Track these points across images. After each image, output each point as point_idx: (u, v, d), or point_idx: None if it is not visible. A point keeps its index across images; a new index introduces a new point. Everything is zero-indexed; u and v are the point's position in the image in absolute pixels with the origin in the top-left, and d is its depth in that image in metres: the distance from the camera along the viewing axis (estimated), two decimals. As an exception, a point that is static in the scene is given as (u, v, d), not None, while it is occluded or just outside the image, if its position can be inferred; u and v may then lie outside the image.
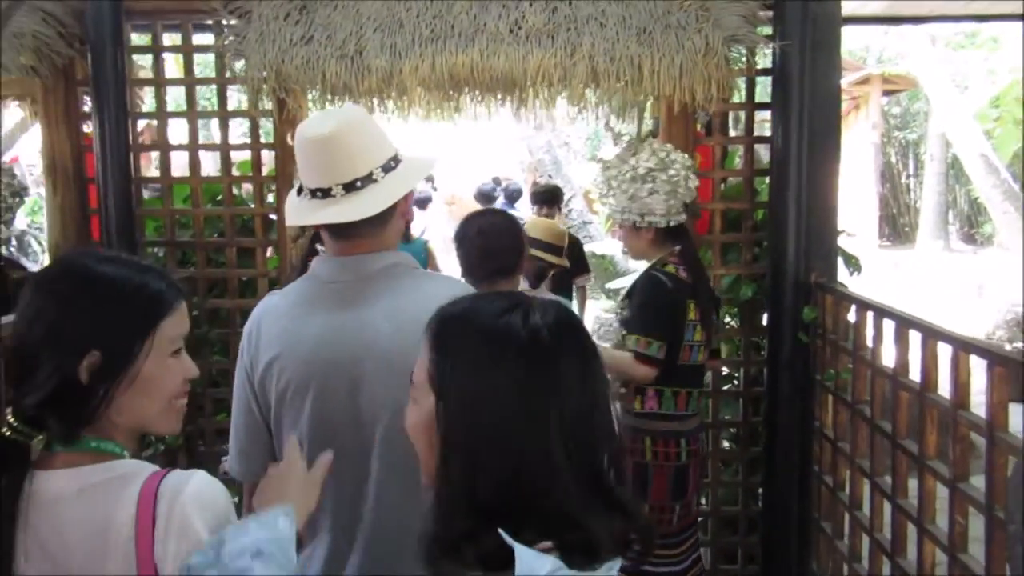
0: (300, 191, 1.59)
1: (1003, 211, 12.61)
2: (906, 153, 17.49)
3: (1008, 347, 6.30)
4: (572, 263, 4.95)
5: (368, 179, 1.54)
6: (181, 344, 1.24)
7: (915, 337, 2.32)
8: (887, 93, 14.48)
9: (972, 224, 16.69)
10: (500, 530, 0.92)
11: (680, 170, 2.77)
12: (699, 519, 2.96)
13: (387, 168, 1.56)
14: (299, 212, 1.59)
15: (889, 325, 2.48)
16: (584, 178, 12.37)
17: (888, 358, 2.52)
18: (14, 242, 7.97)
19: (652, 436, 2.80)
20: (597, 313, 8.68)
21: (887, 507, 2.50)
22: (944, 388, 2.16)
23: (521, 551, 0.90)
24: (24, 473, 1.14)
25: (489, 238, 2.45)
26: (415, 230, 5.76)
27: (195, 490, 1.12)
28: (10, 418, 1.14)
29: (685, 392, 2.83)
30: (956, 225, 16.52)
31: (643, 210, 2.78)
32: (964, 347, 2.03)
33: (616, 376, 2.79)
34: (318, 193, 1.54)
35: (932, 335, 2.21)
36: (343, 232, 1.57)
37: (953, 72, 13.32)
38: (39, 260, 8.10)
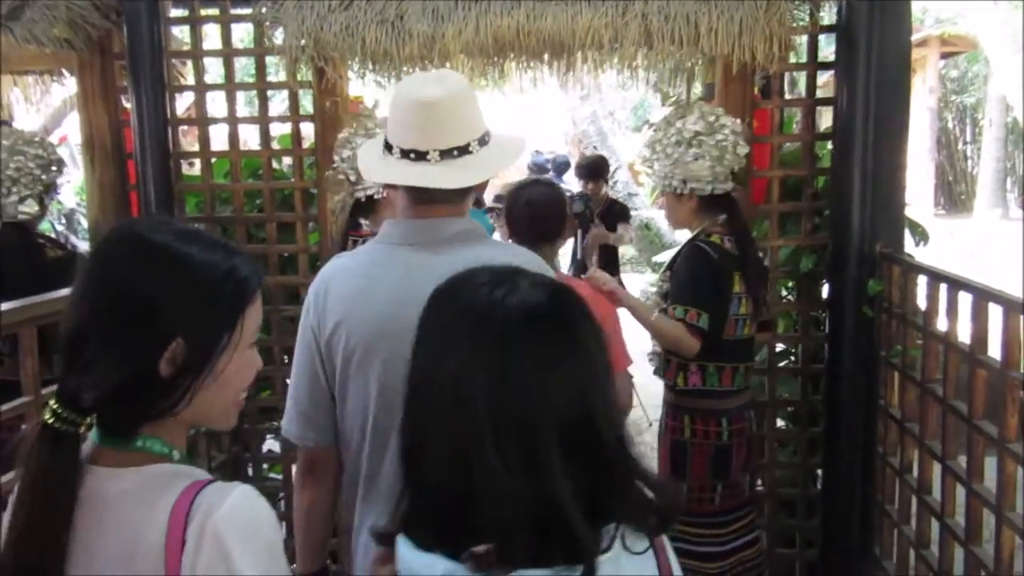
0: (387, 149, 1.56)
1: (1066, 177, 12.10)
2: (963, 118, 16.86)
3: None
4: (617, 217, 5.07)
5: (464, 150, 1.53)
6: (257, 335, 1.13)
7: (994, 311, 2.16)
8: (945, 56, 13.95)
9: (1033, 191, 16.08)
10: (401, 535, 0.92)
11: (729, 135, 2.62)
12: (753, 501, 2.83)
13: (482, 142, 1.56)
14: (387, 170, 1.57)
15: (964, 298, 2.32)
16: (629, 149, 12.16)
17: (962, 333, 2.37)
18: (63, 220, 8.05)
19: (692, 414, 2.70)
20: (643, 287, 8.53)
21: (960, 492, 2.36)
22: (1029, 367, 2.01)
23: (403, 552, 0.91)
24: (75, 467, 1.01)
25: (536, 207, 2.57)
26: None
27: (232, 509, 0.98)
28: (53, 403, 1.01)
29: (731, 367, 2.70)
30: (1015, 193, 15.91)
31: (686, 176, 2.64)
32: (1055, 323, 1.87)
33: (666, 345, 2.67)
34: (411, 154, 1.52)
35: (1015, 309, 2.04)
36: (425, 196, 1.55)
37: (1015, 32, 12.74)
38: (87, 238, 8.17)
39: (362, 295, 1.55)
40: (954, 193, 16.61)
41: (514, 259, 1.24)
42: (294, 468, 1.76)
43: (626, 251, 7.94)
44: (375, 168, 1.61)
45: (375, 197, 2.74)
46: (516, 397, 0.90)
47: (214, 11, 3.16)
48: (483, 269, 1.02)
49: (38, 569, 0.98)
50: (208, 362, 1.05)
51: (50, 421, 1.00)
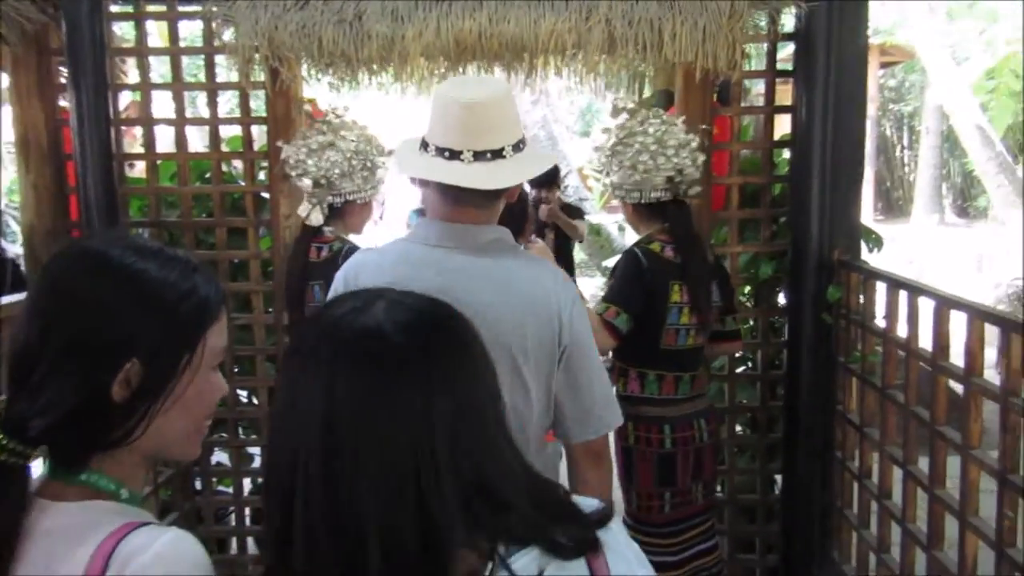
0: (423, 146, 1.61)
1: (998, 184, 12.52)
2: (901, 126, 17.36)
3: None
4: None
5: (498, 153, 1.56)
6: (223, 357, 1.06)
7: (957, 318, 2.18)
8: (884, 65, 14.31)
9: (966, 197, 16.61)
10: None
11: (652, 143, 2.59)
12: (710, 508, 2.80)
13: (517, 148, 1.60)
14: (419, 165, 1.60)
15: (924, 304, 2.34)
16: (579, 154, 12.19)
17: (922, 339, 2.39)
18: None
19: (635, 421, 2.66)
20: (592, 291, 8.54)
21: (921, 496, 2.37)
22: (991, 372, 2.02)
23: None
24: (23, 503, 0.93)
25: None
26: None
27: (155, 556, 0.88)
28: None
29: (672, 376, 2.66)
30: (950, 199, 16.43)
31: (611, 183, 2.66)
32: (1016, 328, 1.88)
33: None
34: (445, 153, 1.57)
35: (979, 316, 2.06)
36: (459, 198, 1.58)
37: (950, 43, 13.14)
38: (17, 240, 7.86)
39: None
40: (892, 199, 17.08)
41: (548, 272, 1.50)
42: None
43: (576, 255, 7.96)
44: (408, 163, 1.62)
45: (355, 202, 2.71)
46: (344, 423, 0.83)
47: (160, 7, 3.04)
48: (358, 292, 0.96)
49: None
50: (166, 385, 0.98)
51: None
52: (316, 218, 2.73)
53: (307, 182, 2.72)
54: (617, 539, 0.93)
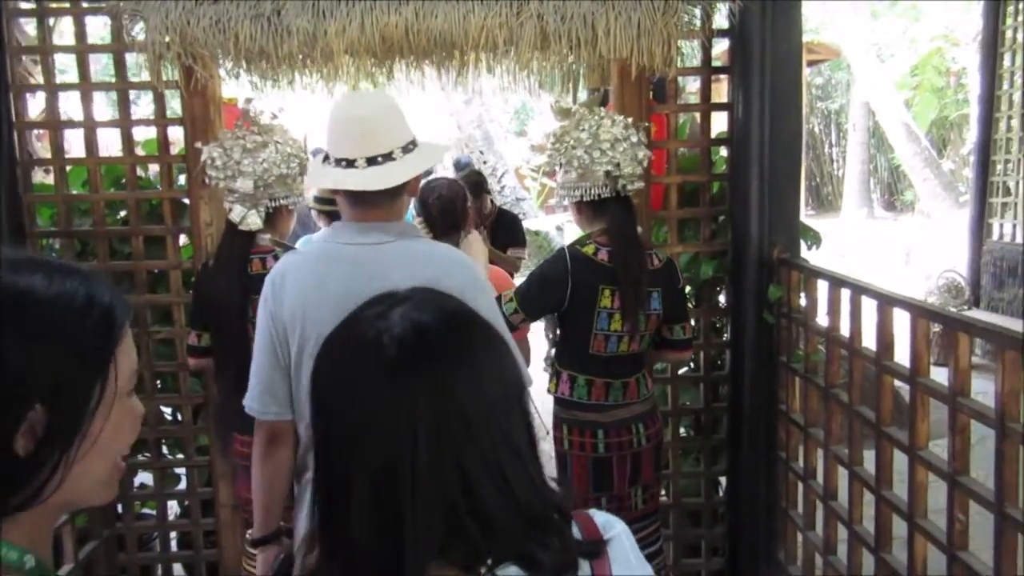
0: (325, 159, 1.83)
1: (923, 178, 12.90)
2: (829, 123, 17.74)
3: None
4: (511, 238, 4.79)
5: (388, 157, 1.77)
6: (135, 379, 0.89)
7: (900, 316, 2.15)
8: (810, 63, 14.59)
9: (893, 192, 17.07)
10: None
11: (636, 137, 2.54)
12: (652, 513, 2.72)
13: (406, 150, 1.80)
14: (323, 176, 1.87)
15: (867, 303, 2.31)
16: (515, 154, 12.12)
17: (867, 339, 2.36)
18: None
19: (569, 424, 2.58)
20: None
21: (868, 497, 2.35)
22: (938, 372, 1.99)
23: None
24: None
25: (445, 201, 3.10)
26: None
27: None
28: None
29: (602, 382, 2.56)
30: (878, 193, 16.86)
31: (558, 184, 2.60)
32: (965, 328, 1.85)
33: None
34: (343, 162, 1.78)
35: (923, 314, 2.03)
36: (361, 200, 1.79)
37: (874, 41, 13.47)
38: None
39: (314, 289, 1.74)
40: (822, 195, 17.45)
41: (453, 256, 1.80)
42: (253, 443, 1.87)
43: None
44: (314, 175, 1.96)
45: (284, 208, 2.57)
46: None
47: (64, 3, 2.85)
48: (377, 297, 0.94)
49: None
50: (79, 426, 0.81)
51: None
52: (254, 222, 2.55)
53: (247, 183, 2.52)
54: (622, 541, 0.94)
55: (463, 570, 0.83)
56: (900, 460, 2.17)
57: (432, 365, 0.85)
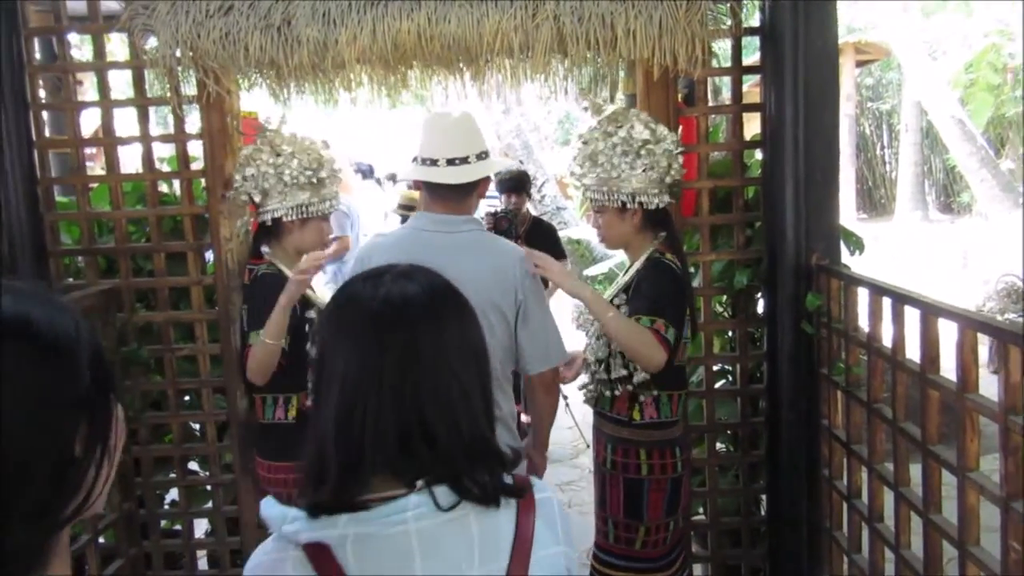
0: (414, 160, 2.24)
1: (980, 179, 12.44)
2: (880, 124, 17.28)
3: (999, 318, 6.04)
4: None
5: (464, 160, 2.20)
6: None
7: (946, 326, 2.00)
8: (859, 64, 14.25)
9: (949, 193, 16.53)
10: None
11: (671, 144, 2.41)
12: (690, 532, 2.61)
13: (479, 157, 2.23)
14: (412, 172, 2.27)
15: (911, 313, 2.16)
16: (557, 163, 12.02)
17: (911, 349, 2.21)
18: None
19: (647, 448, 2.44)
20: (576, 302, 8.35)
21: (916, 519, 2.19)
22: (988, 388, 1.84)
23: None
24: None
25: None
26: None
27: None
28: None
29: (678, 395, 2.49)
30: (933, 195, 16.35)
31: (634, 189, 2.37)
32: (1016, 340, 1.70)
33: (628, 351, 2.34)
34: (427, 161, 2.21)
35: (970, 325, 1.88)
36: (439, 194, 2.22)
37: (926, 39, 13.09)
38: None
39: None
40: (875, 197, 16.98)
41: (514, 248, 2.30)
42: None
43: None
44: (403, 171, 2.31)
45: (283, 220, 2.48)
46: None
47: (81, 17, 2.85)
48: (380, 268, 1.12)
49: None
50: (110, 433, 0.79)
51: None
52: (246, 235, 2.51)
53: (273, 194, 2.47)
54: (552, 505, 1.12)
55: (406, 486, 1.01)
56: (949, 475, 2.02)
57: (407, 320, 1.05)
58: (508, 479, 1.07)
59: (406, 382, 1.02)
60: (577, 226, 9.79)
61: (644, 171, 2.37)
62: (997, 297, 6.83)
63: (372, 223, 7.33)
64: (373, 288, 1.07)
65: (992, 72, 12.62)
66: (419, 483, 1.00)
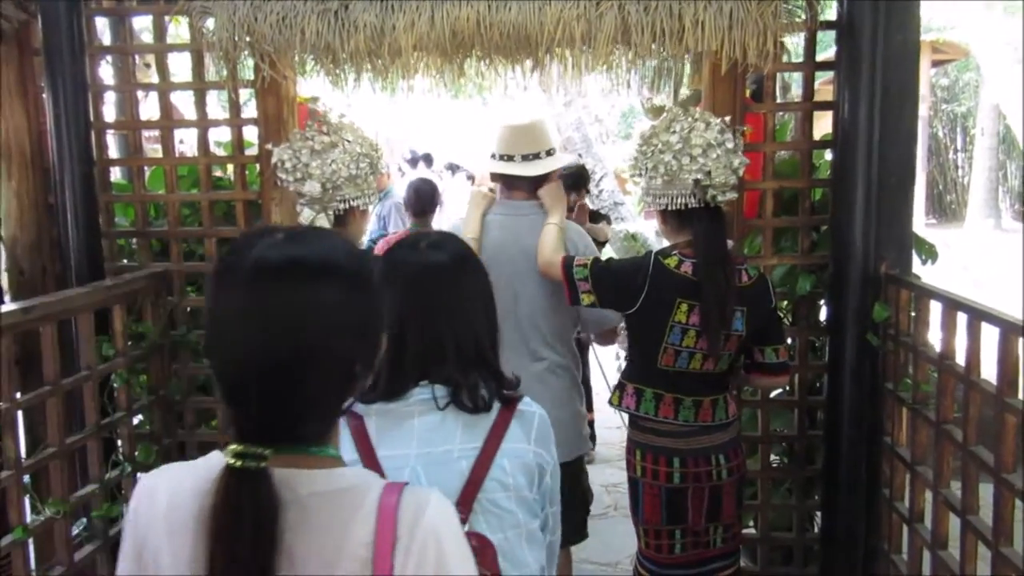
0: (492, 156, 2.63)
1: (1060, 187, 11.90)
2: (954, 127, 16.68)
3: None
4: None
5: (536, 156, 2.58)
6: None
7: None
8: (935, 64, 13.74)
9: (1025, 201, 15.90)
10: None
11: (733, 140, 2.31)
12: (732, 553, 2.47)
13: (549, 153, 2.61)
14: (491, 166, 2.64)
15: (988, 330, 2.02)
16: (616, 157, 11.87)
17: (985, 369, 2.07)
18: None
19: (642, 449, 2.37)
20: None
21: (983, 549, 2.06)
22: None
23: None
24: (276, 504, 0.93)
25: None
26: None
27: (437, 514, 0.99)
28: (235, 447, 0.94)
29: (671, 398, 2.34)
30: (1007, 202, 15.73)
31: (650, 188, 2.37)
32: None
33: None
34: (504, 157, 2.59)
35: (1055, 347, 1.74)
36: (513, 185, 2.62)
37: (1008, 40, 12.54)
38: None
39: (474, 241, 2.51)
40: (944, 203, 16.43)
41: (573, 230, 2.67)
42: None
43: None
44: (486, 165, 2.68)
45: (356, 209, 2.50)
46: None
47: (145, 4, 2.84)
48: (417, 236, 1.52)
49: None
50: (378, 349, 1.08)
51: (238, 464, 0.94)
52: (323, 226, 2.47)
53: (314, 186, 2.45)
54: (534, 419, 1.43)
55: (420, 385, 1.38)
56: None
57: (434, 276, 1.42)
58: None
59: (433, 320, 1.39)
60: (634, 221, 9.65)
61: (647, 172, 2.34)
62: (1075, 312, 6.48)
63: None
64: (412, 254, 1.44)
65: (1078, 75, 12.04)
66: (423, 382, 1.38)
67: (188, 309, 2.93)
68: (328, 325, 0.96)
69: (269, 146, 2.56)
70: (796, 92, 4.67)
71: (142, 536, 1.01)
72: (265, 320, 0.93)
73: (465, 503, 1.32)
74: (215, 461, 0.98)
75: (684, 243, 2.35)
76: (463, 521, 1.28)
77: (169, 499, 1.00)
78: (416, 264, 1.42)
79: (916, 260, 2.80)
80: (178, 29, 4.78)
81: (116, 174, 3.24)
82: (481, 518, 1.33)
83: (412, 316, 1.37)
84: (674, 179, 2.26)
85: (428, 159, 10.22)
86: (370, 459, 1.33)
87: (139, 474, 2.84)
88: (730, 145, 2.31)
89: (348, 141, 2.45)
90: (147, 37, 2.99)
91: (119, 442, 2.71)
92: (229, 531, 0.93)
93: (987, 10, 11.49)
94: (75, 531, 2.54)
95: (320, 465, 0.99)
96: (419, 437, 1.35)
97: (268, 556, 0.93)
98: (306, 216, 2.52)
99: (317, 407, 0.99)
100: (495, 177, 2.67)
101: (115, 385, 2.64)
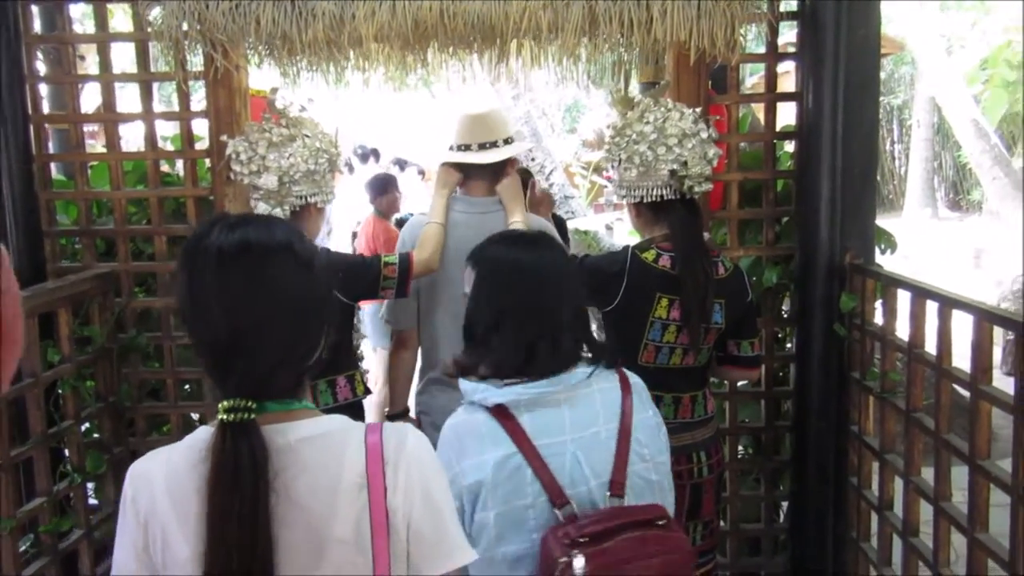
0: (450, 147, 2.58)
1: (993, 177, 12.29)
2: (891, 119, 17.10)
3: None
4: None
5: (493, 144, 2.54)
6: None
7: (999, 333, 1.87)
8: (872, 57, 14.03)
9: (959, 191, 16.38)
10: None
11: (707, 131, 2.30)
12: (711, 550, 2.44)
13: (507, 142, 2.57)
14: (447, 156, 2.58)
15: (960, 317, 2.03)
16: (565, 151, 11.86)
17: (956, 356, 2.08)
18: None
19: None
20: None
21: (956, 537, 2.07)
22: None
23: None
24: (265, 453, 1.08)
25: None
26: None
27: (416, 443, 1.17)
28: (225, 403, 1.09)
29: (652, 396, 2.31)
30: (943, 192, 16.20)
31: (624, 180, 2.33)
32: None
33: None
34: (462, 147, 2.54)
35: (1030, 334, 1.75)
36: (470, 174, 2.56)
37: (942, 34, 12.89)
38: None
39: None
40: (883, 193, 16.82)
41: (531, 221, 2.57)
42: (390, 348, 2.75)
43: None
44: (442, 156, 2.59)
45: (312, 206, 2.41)
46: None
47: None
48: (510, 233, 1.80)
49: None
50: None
51: (230, 419, 1.07)
52: None
53: (271, 179, 2.35)
54: (642, 391, 1.66)
55: (553, 368, 1.55)
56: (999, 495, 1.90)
57: (551, 274, 1.62)
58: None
59: (551, 314, 1.57)
60: (584, 216, 9.64)
61: (620, 164, 2.31)
62: (1013, 297, 6.69)
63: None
64: (522, 251, 1.65)
65: (1008, 69, 12.45)
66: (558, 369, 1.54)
67: (137, 311, 2.81)
68: (279, 294, 1.12)
69: (224, 138, 2.46)
70: (749, 84, 4.69)
71: (144, 519, 1.09)
72: (232, 294, 1.10)
73: (617, 482, 1.50)
74: (200, 435, 1.11)
75: (661, 236, 2.32)
76: (619, 497, 1.49)
77: (166, 478, 1.09)
78: (529, 261, 1.61)
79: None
80: (113, 20, 4.59)
81: (55, 170, 3.08)
82: (631, 492, 1.51)
83: (530, 313, 1.55)
84: (649, 170, 2.22)
85: (376, 154, 10.08)
86: (531, 452, 1.47)
87: (88, 484, 2.72)
88: (704, 135, 2.29)
89: (307, 136, 2.37)
90: (80, 28, 2.83)
91: (67, 452, 2.58)
92: (228, 481, 1.04)
93: (921, 5, 11.78)
94: (22, 547, 2.42)
95: (302, 416, 1.15)
96: (571, 422, 1.52)
97: (267, 498, 1.06)
98: (261, 211, 2.42)
99: (286, 361, 1.13)
100: (456, 168, 2.59)
101: (61, 392, 2.52)
